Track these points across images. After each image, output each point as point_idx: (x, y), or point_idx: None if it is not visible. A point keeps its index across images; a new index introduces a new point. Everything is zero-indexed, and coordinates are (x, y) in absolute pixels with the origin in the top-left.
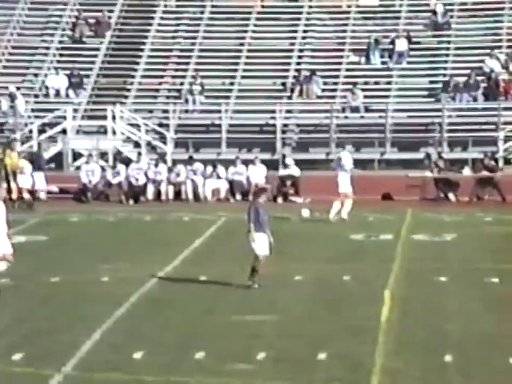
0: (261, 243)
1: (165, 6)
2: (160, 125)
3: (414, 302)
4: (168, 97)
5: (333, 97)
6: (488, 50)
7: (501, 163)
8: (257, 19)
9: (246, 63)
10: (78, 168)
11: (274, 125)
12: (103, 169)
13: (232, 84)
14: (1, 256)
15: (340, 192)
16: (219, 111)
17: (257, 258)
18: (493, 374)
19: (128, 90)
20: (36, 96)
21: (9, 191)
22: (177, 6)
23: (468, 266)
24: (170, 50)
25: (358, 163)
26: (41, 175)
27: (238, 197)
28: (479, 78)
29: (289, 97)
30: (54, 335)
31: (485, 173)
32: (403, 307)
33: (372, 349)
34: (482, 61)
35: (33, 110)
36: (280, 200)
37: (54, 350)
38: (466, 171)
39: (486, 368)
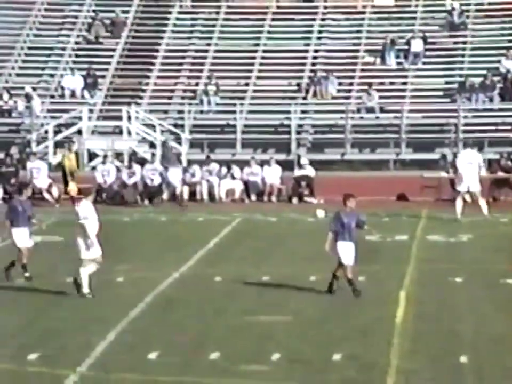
0: (345, 252)
1: (180, 6)
2: (175, 126)
3: (429, 303)
4: (183, 97)
5: (348, 97)
6: (504, 51)
7: None
8: (273, 19)
9: (261, 64)
10: (93, 168)
11: (289, 126)
12: (118, 169)
13: (247, 84)
14: (93, 259)
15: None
16: (234, 112)
17: (340, 266)
18: (507, 376)
19: (144, 90)
20: (52, 96)
21: (66, 191)
22: (193, 7)
23: (483, 267)
24: (186, 50)
25: (373, 164)
26: (174, 171)
27: (253, 197)
28: (495, 79)
29: (304, 98)
30: (69, 335)
31: (500, 174)
32: (418, 308)
33: (386, 350)
34: (498, 61)
35: (49, 111)
36: (295, 200)
37: (69, 350)
38: (482, 172)
39: (500, 369)
